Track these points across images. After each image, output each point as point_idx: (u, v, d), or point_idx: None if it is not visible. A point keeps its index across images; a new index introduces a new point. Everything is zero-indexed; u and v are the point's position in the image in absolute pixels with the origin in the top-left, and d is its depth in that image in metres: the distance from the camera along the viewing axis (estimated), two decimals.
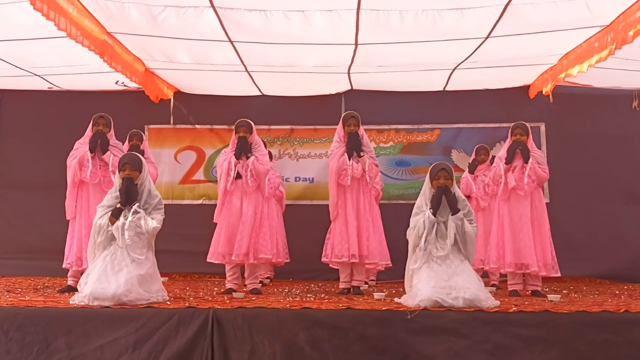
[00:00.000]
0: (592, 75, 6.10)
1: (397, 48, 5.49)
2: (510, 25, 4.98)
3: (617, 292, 5.33)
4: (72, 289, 4.87)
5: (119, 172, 4.20)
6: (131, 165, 4.17)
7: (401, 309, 3.57)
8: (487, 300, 3.66)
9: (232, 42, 5.43)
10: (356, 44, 5.42)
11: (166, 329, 3.58)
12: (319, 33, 5.13)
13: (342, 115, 5.30)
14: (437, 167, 4.04)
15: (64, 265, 5.19)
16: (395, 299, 4.10)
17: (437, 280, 3.69)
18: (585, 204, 6.89)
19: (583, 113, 7.06)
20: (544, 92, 6.87)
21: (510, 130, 5.21)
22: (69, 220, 5.26)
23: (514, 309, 3.53)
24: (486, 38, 5.27)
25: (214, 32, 5.17)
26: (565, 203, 6.80)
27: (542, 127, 7.10)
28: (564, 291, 5.38)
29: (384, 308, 3.61)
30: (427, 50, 5.55)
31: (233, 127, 6.86)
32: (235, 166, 5.05)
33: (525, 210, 4.84)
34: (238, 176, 5.08)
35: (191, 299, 4.32)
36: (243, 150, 5.07)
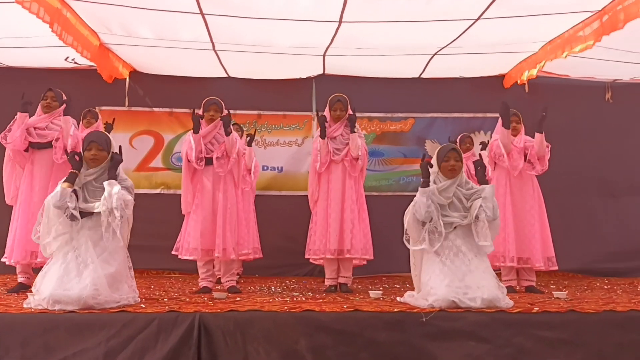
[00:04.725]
0: (569, 65, 6.00)
1: (383, 28, 5.14)
2: (504, 6, 4.72)
3: (605, 287, 5.19)
4: (25, 287, 4.25)
5: (83, 152, 3.63)
6: (98, 144, 3.62)
7: (414, 311, 3.21)
8: (505, 299, 3.35)
9: (203, 15, 4.92)
10: (340, 22, 5.02)
11: (144, 337, 3.08)
12: (302, 7, 4.71)
13: (329, 98, 4.89)
14: (446, 148, 3.67)
15: (2, 259, 4.56)
16: (398, 298, 3.74)
17: (452, 278, 3.34)
18: (560, 196, 6.73)
19: (557, 104, 6.88)
20: (519, 82, 6.70)
21: None
22: (10, 206, 4.65)
23: (536, 309, 3.24)
24: (477, 19, 5.00)
25: (184, 3, 4.65)
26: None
27: None
28: (551, 285, 5.19)
29: (395, 310, 3.23)
30: (414, 31, 5.22)
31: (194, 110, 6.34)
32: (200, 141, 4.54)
33: (529, 198, 4.58)
34: (209, 162, 4.58)
35: (166, 300, 3.82)
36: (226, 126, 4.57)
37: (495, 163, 4.83)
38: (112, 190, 3.48)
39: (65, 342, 3.08)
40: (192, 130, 4.58)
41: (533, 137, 4.92)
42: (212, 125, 4.61)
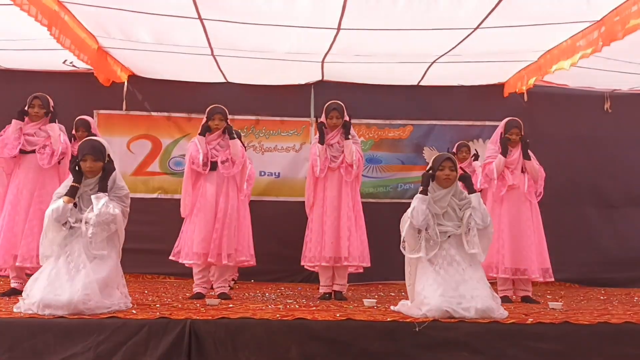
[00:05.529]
0: (568, 74, 5.96)
1: (382, 35, 5.11)
2: (504, 16, 4.70)
3: (601, 297, 5.16)
4: (16, 292, 4.20)
5: (79, 162, 3.61)
6: (92, 156, 3.59)
7: (408, 320, 3.18)
8: (499, 309, 3.33)
9: (201, 20, 4.90)
10: (338, 29, 5.00)
11: (134, 343, 3.06)
12: (300, 14, 4.70)
13: (325, 106, 4.87)
14: (441, 157, 3.66)
15: None
16: (392, 307, 3.71)
17: (445, 287, 3.31)
18: (556, 206, 6.71)
19: (556, 113, 6.93)
20: (517, 91, 6.69)
21: (503, 126, 4.96)
22: None
23: (530, 320, 3.20)
24: (475, 28, 4.98)
25: (183, 8, 4.63)
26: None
27: None
28: (548, 295, 5.16)
29: (388, 319, 3.20)
30: (412, 39, 5.21)
31: (192, 115, 6.32)
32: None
33: (525, 209, 4.56)
34: (213, 167, 4.58)
35: (158, 306, 3.79)
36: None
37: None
38: (97, 205, 3.48)
39: (54, 346, 3.06)
40: (198, 134, 4.62)
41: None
42: (216, 133, 4.61)
